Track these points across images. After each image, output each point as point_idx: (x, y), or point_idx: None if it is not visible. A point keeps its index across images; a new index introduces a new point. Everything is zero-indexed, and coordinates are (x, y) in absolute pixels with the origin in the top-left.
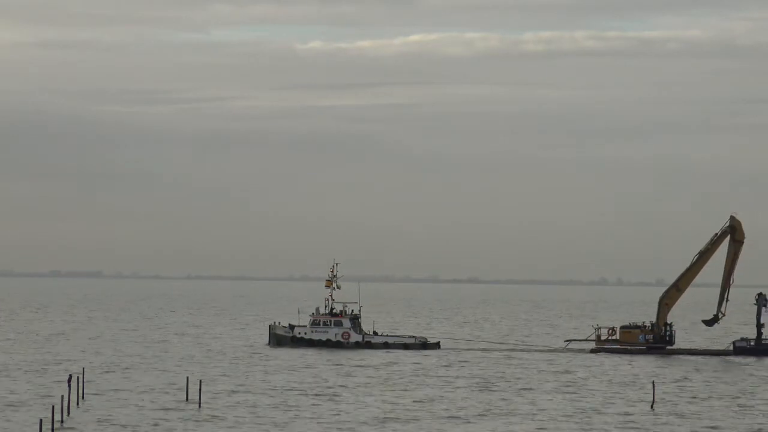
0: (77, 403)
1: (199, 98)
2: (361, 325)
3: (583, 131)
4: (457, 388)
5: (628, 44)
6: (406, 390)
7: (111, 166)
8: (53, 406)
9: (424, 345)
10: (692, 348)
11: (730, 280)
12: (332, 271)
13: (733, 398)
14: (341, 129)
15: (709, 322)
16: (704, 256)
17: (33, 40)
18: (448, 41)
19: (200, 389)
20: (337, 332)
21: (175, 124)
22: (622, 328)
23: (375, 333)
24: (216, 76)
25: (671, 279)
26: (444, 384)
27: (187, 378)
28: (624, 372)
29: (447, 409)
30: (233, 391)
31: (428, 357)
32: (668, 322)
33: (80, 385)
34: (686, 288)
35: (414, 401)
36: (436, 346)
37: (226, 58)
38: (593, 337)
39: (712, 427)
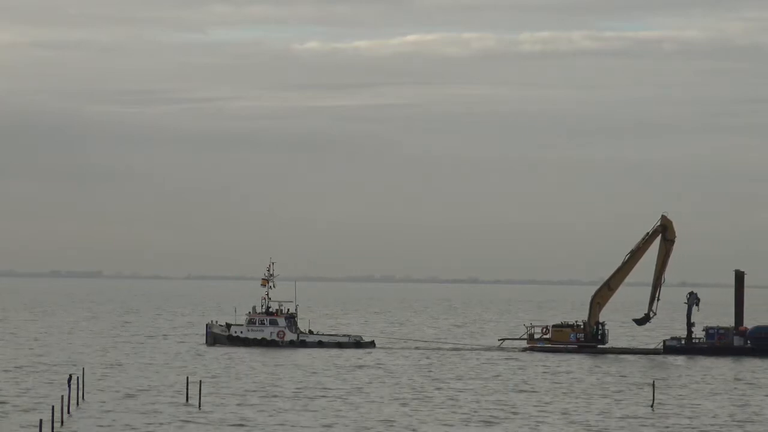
0: (77, 403)
1: (197, 98)
2: (298, 323)
3: (580, 131)
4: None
5: (625, 44)
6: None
7: (111, 166)
8: (53, 406)
9: (357, 344)
10: (623, 347)
11: (661, 279)
12: (268, 270)
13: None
14: (339, 129)
15: (640, 321)
16: (635, 255)
17: (30, 41)
18: (444, 41)
19: (200, 390)
20: (273, 331)
21: (173, 124)
22: (553, 326)
23: (310, 332)
24: (214, 76)
25: (672, 279)
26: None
27: (187, 378)
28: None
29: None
30: (232, 393)
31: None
32: (600, 321)
33: (80, 385)
34: (618, 287)
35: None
36: (371, 344)
37: (223, 59)
38: (526, 335)
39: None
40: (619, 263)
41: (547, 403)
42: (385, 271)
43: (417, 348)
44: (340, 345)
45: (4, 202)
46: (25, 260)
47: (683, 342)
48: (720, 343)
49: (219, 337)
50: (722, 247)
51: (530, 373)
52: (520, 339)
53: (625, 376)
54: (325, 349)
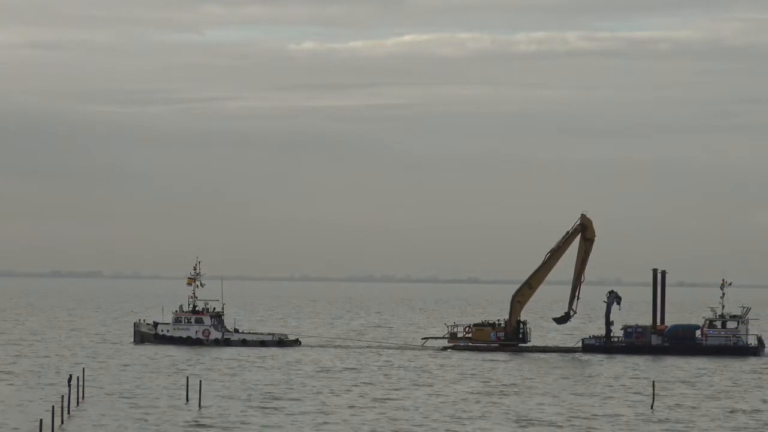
0: (77, 403)
1: (194, 98)
2: (224, 322)
3: (576, 132)
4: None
5: (620, 45)
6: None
7: (110, 166)
8: (53, 406)
9: (280, 342)
10: (544, 345)
11: (581, 278)
12: (195, 269)
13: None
14: (335, 129)
15: (560, 320)
16: (556, 254)
17: (28, 41)
18: (440, 42)
19: (200, 390)
20: (198, 330)
21: (171, 124)
22: (474, 325)
23: (236, 330)
24: (211, 76)
25: (672, 279)
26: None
27: (187, 378)
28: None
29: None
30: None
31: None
32: (522, 319)
33: (80, 385)
34: (538, 286)
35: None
36: (296, 343)
37: (220, 59)
38: (448, 334)
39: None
40: (625, 261)
41: (541, 403)
42: (385, 271)
43: (346, 347)
44: (263, 343)
45: (4, 202)
46: (25, 260)
47: (603, 340)
48: (638, 342)
49: (146, 336)
50: (720, 247)
51: (519, 374)
52: (443, 338)
53: (619, 377)
54: (249, 348)
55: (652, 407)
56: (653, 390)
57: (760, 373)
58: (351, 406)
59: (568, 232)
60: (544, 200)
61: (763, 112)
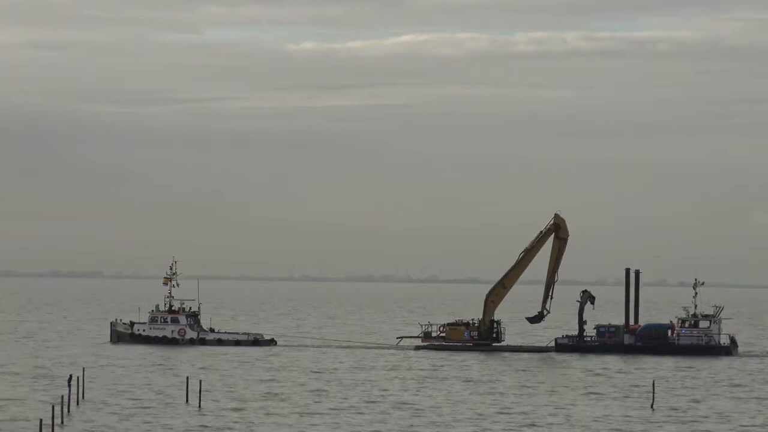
0: (77, 403)
1: (193, 99)
2: (200, 322)
3: (575, 132)
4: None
5: (619, 45)
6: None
7: (110, 166)
8: (53, 406)
9: (256, 341)
10: (517, 345)
11: (554, 277)
12: (171, 269)
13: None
14: (334, 129)
15: (534, 319)
16: (529, 253)
17: (26, 41)
18: (439, 42)
19: (200, 390)
20: (174, 329)
21: (171, 124)
22: (448, 325)
23: (211, 330)
24: (210, 76)
25: (672, 278)
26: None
27: (187, 378)
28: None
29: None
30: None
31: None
32: (496, 319)
33: (80, 385)
34: (512, 285)
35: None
36: (272, 342)
37: (219, 59)
38: (422, 334)
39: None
40: (624, 261)
41: (540, 403)
42: (385, 271)
43: (320, 346)
44: (238, 343)
45: (4, 202)
46: (25, 260)
47: (576, 340)
48: (611, 341)
49: (122, 335)
50: (720, 247)
51: (516, 375)
52: (418, 337)
53: (618, 376)
54: (224, 347)
55: (652, 407)
56: (653, 389)
57: (755, 372)
58: (348, 407)
59: (541, 231)
60: (544, 200)
61: (763, 112)
